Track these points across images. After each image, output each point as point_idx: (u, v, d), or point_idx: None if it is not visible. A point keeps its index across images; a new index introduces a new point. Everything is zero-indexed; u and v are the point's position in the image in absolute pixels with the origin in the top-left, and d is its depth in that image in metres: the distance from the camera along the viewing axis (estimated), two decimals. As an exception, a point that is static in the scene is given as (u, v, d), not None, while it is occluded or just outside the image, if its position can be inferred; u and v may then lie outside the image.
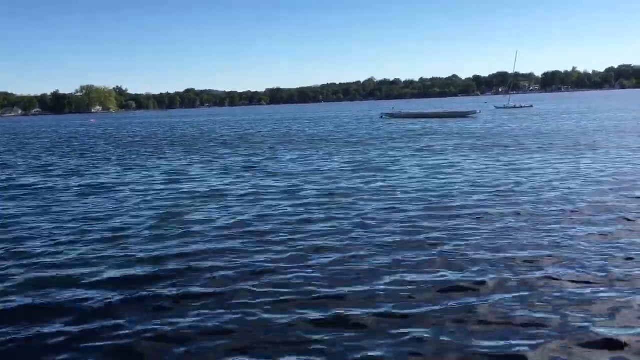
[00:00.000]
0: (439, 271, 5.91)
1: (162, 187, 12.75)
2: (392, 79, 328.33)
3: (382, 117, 54.90)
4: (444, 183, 11.62)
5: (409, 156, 17.22)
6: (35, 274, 6.36)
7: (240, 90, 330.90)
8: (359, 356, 4.14)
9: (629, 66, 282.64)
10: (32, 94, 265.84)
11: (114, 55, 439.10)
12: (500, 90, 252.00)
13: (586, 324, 4.48)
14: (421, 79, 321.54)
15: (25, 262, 6.83)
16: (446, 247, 6.76)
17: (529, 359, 3.99)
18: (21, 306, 5.36)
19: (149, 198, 11.21)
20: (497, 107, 67.51)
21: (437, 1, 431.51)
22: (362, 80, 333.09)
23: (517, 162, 14.67)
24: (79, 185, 13.53)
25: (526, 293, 5.18)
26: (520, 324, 4.54)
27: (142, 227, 8.53)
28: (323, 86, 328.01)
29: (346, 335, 4.48)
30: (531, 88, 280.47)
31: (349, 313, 4.88)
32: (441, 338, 4.35)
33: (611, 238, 6.92)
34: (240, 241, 7.41)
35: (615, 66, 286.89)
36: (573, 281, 5.46)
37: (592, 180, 11.21)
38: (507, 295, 5.13)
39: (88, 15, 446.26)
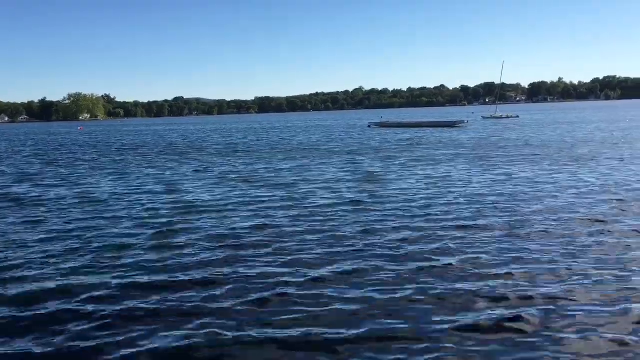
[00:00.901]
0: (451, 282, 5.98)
1: (154, 197, 12.61)
2: (380, 88, 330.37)
3: (369, 126, 55.17)
4: (439, 194, 11.64)
5: (405, 166, 17.22)
6: (22, 288, 6.25)
7: (229, 99, 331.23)
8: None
9: (613, 77, 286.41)
10: (19, 101, 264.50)
11: (102, 63, 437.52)
12: (487, 100, 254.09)
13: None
14: (409, 88, 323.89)
15: (8, 276, 6.72)
16: (441, 260, 6.81)
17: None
18: (7, 320, 5.34)
19: (140, 209, 11.08)
20: (484, 117, 68.12)
21: (425, 12, 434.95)
22: (350, 89, 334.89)
23: (511, 173, 14.72)
24: (69, 196, 13.26)
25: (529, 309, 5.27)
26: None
27: (132, 239, 8.47)
28: (312, 95, 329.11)
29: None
30: (518, 98, 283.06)
31: (346, 333, 4.93)
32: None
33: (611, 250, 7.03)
34: (237, 252, 7.42)
35: (601, 77, 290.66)
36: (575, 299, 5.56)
37: (593, 191, 11.31)
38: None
39: (76, 23, 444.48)
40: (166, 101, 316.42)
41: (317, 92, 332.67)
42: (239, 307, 5.45)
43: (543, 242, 7.45)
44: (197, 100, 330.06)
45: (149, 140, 43.83)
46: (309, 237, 8.16)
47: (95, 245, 8.10)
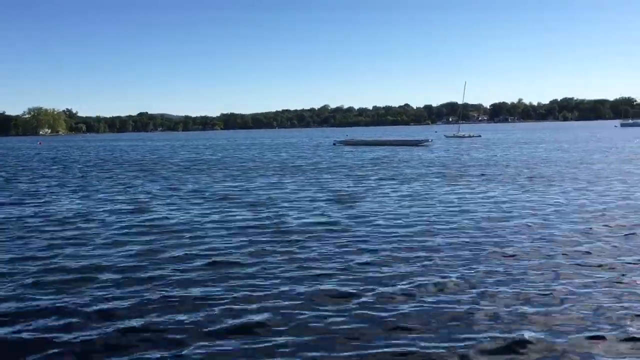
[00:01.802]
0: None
1: (124, 216, 12.31)
2: (346, 106, 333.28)
3: (334, 144, 55.67)
4: (415, 213, 11.77)
5: (379, 185, 17.27)
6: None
7: (194, 115, 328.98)
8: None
9: (571, 99, 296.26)
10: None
11: (64, 77, 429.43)
12: (450, 119, 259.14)
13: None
14: (374, 107, 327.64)
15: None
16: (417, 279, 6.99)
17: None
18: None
19: (110, 229, 10.89)
20: (447, 136, 69.48)
21: (391, 32, 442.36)
22: (316, 107, 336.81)
23: (485, 192, 15.03)
24: (29, 216, 12.86)
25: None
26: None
27: (103, 260, 8.38)
28: (277, 112, 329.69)
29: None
30: (480, 118, 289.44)
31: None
32: None
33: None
34: (206, 274, 7.44)
35: (559, 99, 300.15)
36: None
37: (566, 212, 11.59)
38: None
39: (37, 35, 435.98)
40: (130, 116, 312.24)
41: (282, 110, 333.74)
42: (217, 331, 5.47)
43: (522, 262, 7.69)
44: (162, 116, 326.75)
45: (114, 156, 43.18)
46: (286, 258, 8.15)
47: (64, 267, 7.96)
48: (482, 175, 19.94)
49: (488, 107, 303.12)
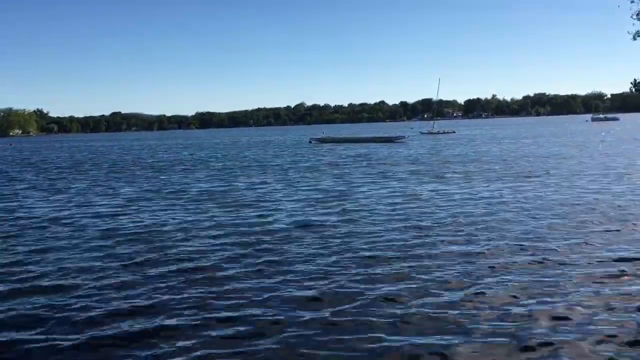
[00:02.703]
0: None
1: (105, 220, 12.06)
2: (322, 104, 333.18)
3: (310, 141, 55.60)
4: (404, 212, 11.85)
5: (363, 183, 17.29)
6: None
7: (169, 114, 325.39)
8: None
9: (543, 94, 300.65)
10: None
11: (34, 77, 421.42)
12: (425, 116, 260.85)
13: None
14: (350, 104, 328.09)
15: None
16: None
17: None
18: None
19: (91, 234, 10.71)
20: (422, 133, 70.01)
21: (365, 29, 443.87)
22: (292, 104, 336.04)
23: (467, 188, 15.27)
24: (3, 220, 12.66)
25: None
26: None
27: (88, 265, 8.30)
28: (253, 111, 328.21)
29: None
30: (454, 114, 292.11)
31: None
32: None
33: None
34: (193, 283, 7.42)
35: (532, 94, 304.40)
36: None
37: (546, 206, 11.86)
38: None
39: (4, 34, 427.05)
40: (103, 116, 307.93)
41: (258, 108, 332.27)
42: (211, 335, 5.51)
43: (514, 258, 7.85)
44: (136, 116, 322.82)
45: (89, 157, 42.59)
46: (279, 259, 8.15)
47: (39, 273, 7.85)
48: (465, 171, 20.14)
49: (462, 103, 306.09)
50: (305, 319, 5.69)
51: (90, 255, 8.61)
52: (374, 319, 5.60)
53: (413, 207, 12.29)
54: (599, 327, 5.21)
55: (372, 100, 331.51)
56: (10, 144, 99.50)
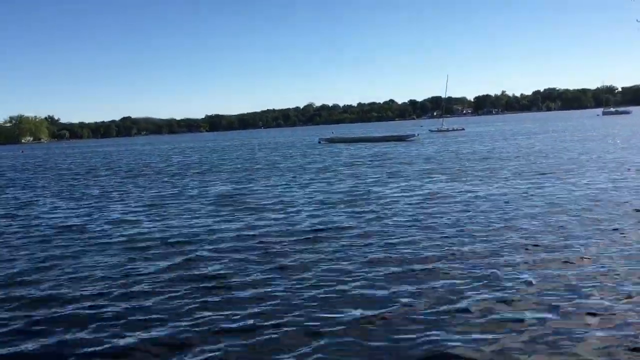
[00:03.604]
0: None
1: (125, 227, 12.16)
2: (331, 104, 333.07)
3: (320, 142, 55.48)
4: (429, 212, 11.83)
5: (383, 184, 17.09)
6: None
7: (178, 117, 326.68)
8: None
9: (554, 89, 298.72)
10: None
11: (45, 83, 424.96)
12: (435, 114, 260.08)
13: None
14: (359, 104, 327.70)
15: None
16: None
17: None
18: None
19: (114, 239, 10.81)
20: (432, 131, 69.92)
21: (374, 28, 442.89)
22: (301, 105, 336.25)
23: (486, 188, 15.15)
24: (17, 226, 12.78)
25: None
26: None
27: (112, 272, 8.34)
28: (262, 112, 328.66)
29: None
30: (464, 111, 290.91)
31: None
32: None
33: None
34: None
35: (542, 89, 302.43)
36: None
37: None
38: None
39: (15, 42, 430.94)
40: (113, 121, 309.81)
41: (267, 109, 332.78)
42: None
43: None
44: (146, 120, 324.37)
45: (103, 162, 42.77)
46: (307, 262, 8.13)
47: (72, 280, 7.89)
48: (484, 168, 19.90)
49: (472, 100, 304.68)
50: (342, 321, 5.63)
51: (113, 261, 8.62)
52: (420, 318, 5.58)
53: (439, 206, 12.15)
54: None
55: (381, 99, 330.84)
56: (22, 151, 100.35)
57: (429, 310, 5.79)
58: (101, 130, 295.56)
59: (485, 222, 10.12)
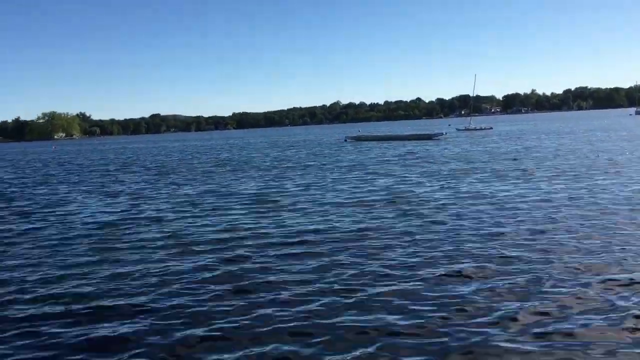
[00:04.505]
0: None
1: (159, 225, 12.26)
2: (357, 102, 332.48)
3: (346, 140, 55.19)
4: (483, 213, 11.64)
5: (423, 183, 16.80)
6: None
7: (206, 115, 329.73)
8: None
9: (585, 88, 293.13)
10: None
11: (77, 80, 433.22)
12: (462, 112, 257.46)
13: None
14: (386, 102, 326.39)
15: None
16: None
17: None
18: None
19: (154, 235, 10.87)
20: (459, 129, 69.31)
21: (401, 26, 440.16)
22: (328, 103, 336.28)
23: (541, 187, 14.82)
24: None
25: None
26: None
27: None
28: (289, 110, 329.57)
29: None
30: (493, 110, 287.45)
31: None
32: None
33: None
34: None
35: (573, 88, 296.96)
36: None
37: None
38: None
39: (49, 41, 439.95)
40: (143, 118, 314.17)
41: (294, 107, 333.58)
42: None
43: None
44: (174, 117, 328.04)
45: (134, 159, 43.18)
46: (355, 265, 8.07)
47: (113, 277, 7.97)
48: (520, 168, 19.40)
49: (501, 98, 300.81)
50: (393, 323, 5.55)
51: (153, 258, 8.64)
52: (476, 321, 5.46)
53: (479, 206, 11.90)
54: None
55: (408, 97, 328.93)
56: (54, 147, 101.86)
57: (483, 312, 5.67)
58: (131, 127, 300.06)
59: (532, 223, 9.88)
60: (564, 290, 6.27)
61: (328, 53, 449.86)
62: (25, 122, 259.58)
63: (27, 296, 7.02)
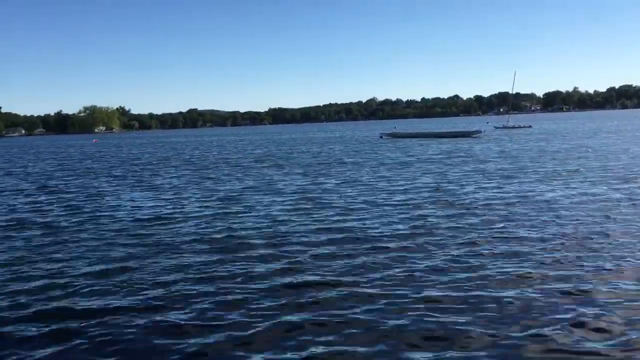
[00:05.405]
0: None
1: (212, 221, 12.40)
2: (394, 99, 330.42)
3: (381, 136, 54.49)
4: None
5: (471, 183, 16.22)
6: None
7: (242, 110, 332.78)
8: None
9: (630, 86, 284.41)
10: (36, 114, 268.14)
11: (117, 75, 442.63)
12: (501, 110, 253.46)
13: None
14: (423, 99, 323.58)
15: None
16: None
17: None
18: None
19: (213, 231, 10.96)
20: (496, 127, 68.10)
21: (439, 22, 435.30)
22: (364, 100, 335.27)
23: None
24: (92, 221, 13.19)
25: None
26: None
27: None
28: (325, 106, 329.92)
29: None
30: (532, 108, 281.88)
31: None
32: None
33: None
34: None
35: (617, 86, 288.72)
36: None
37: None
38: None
39: (91, 36, 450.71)
40: (180, 113, 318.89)
41: (330, 103, 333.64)
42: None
43: None
44: (211, 112, 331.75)
45: (175, 153, 43.74)
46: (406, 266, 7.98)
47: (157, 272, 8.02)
48: (569, 170, 18.55)
49: (541, 96, 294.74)
50: (450, 326, 5.42)
51: (198, 259, 8.60)
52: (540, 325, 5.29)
53: (530, 208, 11.56)
54: None
55: (445, 94, 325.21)
56: (94, 140, 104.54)
57: (548, 317, 5.51)
58: (169, 121, 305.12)
59: (585, 225, 9.58)
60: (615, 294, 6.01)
61: (366, 49, 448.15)
62: (67, 115, 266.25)
63: (96, 288, 7.10)
